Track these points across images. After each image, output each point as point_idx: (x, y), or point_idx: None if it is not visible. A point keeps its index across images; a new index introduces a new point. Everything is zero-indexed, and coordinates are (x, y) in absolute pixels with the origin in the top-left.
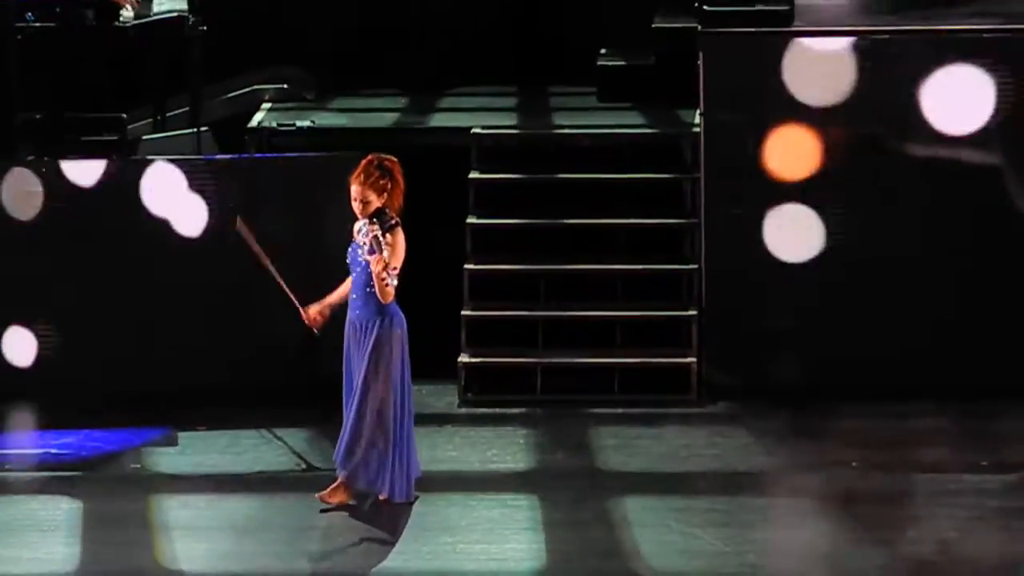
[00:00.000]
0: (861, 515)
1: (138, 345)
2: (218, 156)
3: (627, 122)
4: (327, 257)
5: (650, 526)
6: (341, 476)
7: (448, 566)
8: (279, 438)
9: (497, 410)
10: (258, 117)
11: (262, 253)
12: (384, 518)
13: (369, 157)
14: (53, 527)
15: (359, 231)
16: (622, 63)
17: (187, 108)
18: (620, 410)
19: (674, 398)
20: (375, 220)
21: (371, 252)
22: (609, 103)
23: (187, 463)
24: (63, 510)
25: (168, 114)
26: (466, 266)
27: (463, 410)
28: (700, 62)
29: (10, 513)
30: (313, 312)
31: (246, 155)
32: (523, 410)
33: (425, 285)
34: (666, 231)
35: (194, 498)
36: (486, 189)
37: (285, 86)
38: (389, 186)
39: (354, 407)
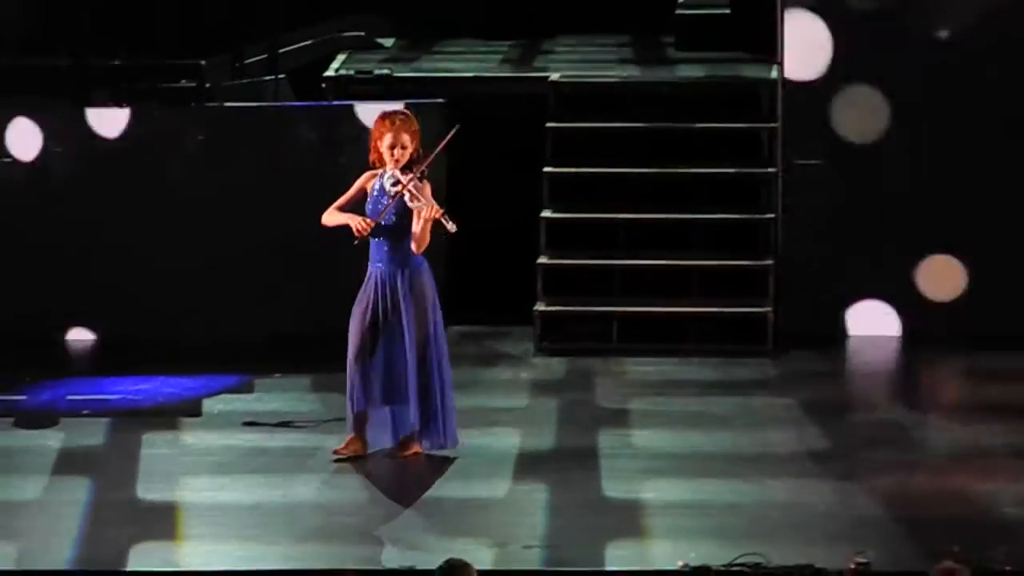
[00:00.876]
0: (937, 467)
1: (215, 293)
2: (295, 104)
3: (705, 71)
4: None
5: (726, 474)
6: (424, 445)
7: (527, 511)
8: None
9: (573, 358)
10: (335, 65)
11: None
12: (456, 465)
13: (392, 108)
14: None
15: (390, 181)
16: (700, 11)
17: (264, 55)
18: (695, 359)
19: (750, 348)
20: (408, 170)
21: (412, 200)
22: (687, 52)
23: (263, 409)
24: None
25: (246, 62)
26: (542, 214)
27: (539, 359)
28: (777, 10)
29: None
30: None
31: (324, 103)
32: (599, 358)
33: (502, 233)
34: (743, 180)
35: (269, 440)
36: (563, 137)
37: (362, 34)
38: (419, 132)
39: (414, 362)
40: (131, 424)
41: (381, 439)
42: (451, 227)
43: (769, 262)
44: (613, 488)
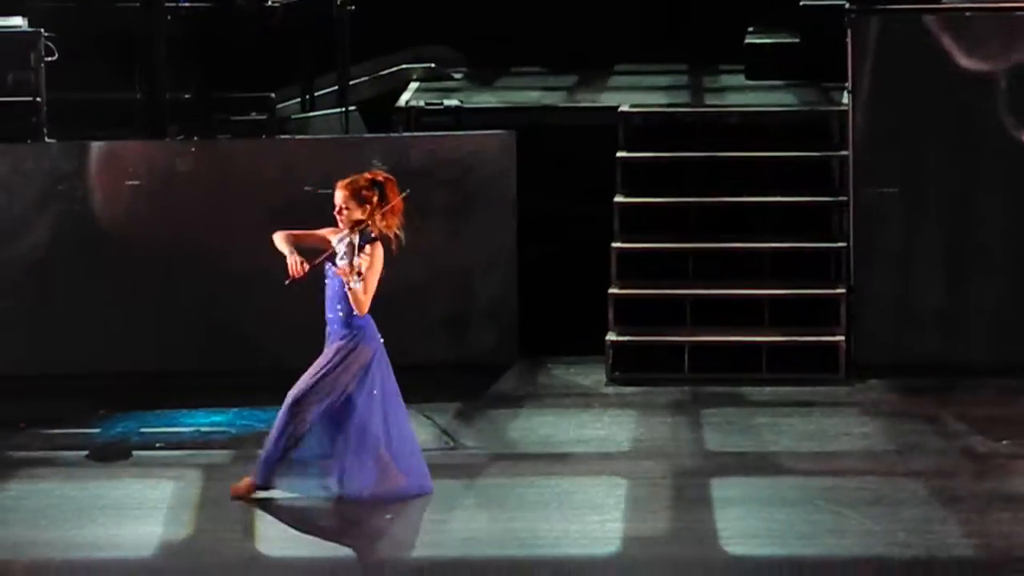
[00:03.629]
0: (1014, 495)
1: (282, 325)
2: (366, 135)
3: (775, 100)
4: (471, 231)
5: (799, 505)
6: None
7: (596, 544)
8: (427, 416)
9: (645, 388)
10: (406, 96)
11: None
12: (530, 498)
13: (369, 174)
14: (201, 503)
15: (345, 242)
16: (769, 41)
17: (335, 87)
18: (768, 389)
19: (822, 377)
20: (354, 230)
21: (342, 259)
22: (757, 81)
23: None
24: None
25: (316, 93)
26: (614, 244)
27: (610, 389)
28: (848, 39)
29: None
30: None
31: (394, 134)
32: (670, 388)
33: (573, 263)
34: (814, 209)
35: None
36: (634, 167)
37: (433, 65)
38: (374, 200)
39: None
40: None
41: (304, 486)
42: (353, 285)
43: (841, 291)
44: (682, 517)
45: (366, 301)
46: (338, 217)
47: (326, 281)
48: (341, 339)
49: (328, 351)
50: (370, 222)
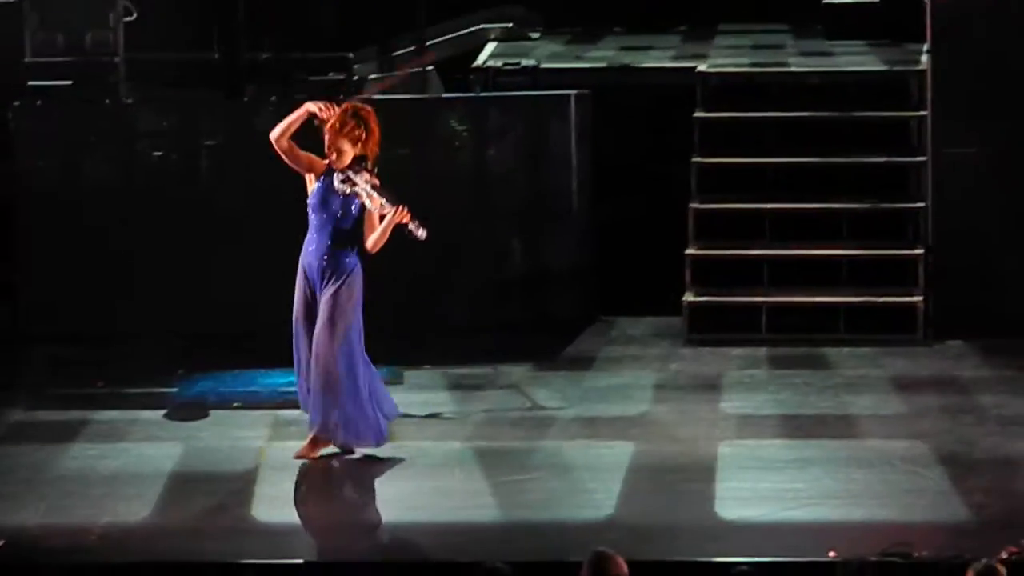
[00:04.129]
0: None
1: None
2: (443, 96)
3: (854, 61)
4: (547, 192)
5: (876, 466)
6: (316, 430)
7: (673, 504)
8: (505, 376)
9: (722, 349)
10: (483, 56)
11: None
12: (606, 459)
13: (344, 106)
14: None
15: (339, 178)
16: (849, 1)
17: (412, 47)
18: (846, 349)
19: (900, 337)
20: (362, 169)
21: (372, 201)
22: (836, 41)
23: (414, 401)
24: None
25: (394, 53)
26: (691, 205)
27: (688, 349)
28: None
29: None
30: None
31: (471, 94)
32: (748, 349)
33: (650, 224)
34: (893, 169)
35: (418, 437)
36: (711, 128)
37: (509, 25)
38: (363, 136)
39: (321, 360)
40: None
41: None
42: (420, 233)
43: (919, 251)
44: (762, 478)
45: (385, 240)
46: (332, 159)
47: (320, 221)
48: (346, 274)
49: (340, 294)
50: (368, 156)
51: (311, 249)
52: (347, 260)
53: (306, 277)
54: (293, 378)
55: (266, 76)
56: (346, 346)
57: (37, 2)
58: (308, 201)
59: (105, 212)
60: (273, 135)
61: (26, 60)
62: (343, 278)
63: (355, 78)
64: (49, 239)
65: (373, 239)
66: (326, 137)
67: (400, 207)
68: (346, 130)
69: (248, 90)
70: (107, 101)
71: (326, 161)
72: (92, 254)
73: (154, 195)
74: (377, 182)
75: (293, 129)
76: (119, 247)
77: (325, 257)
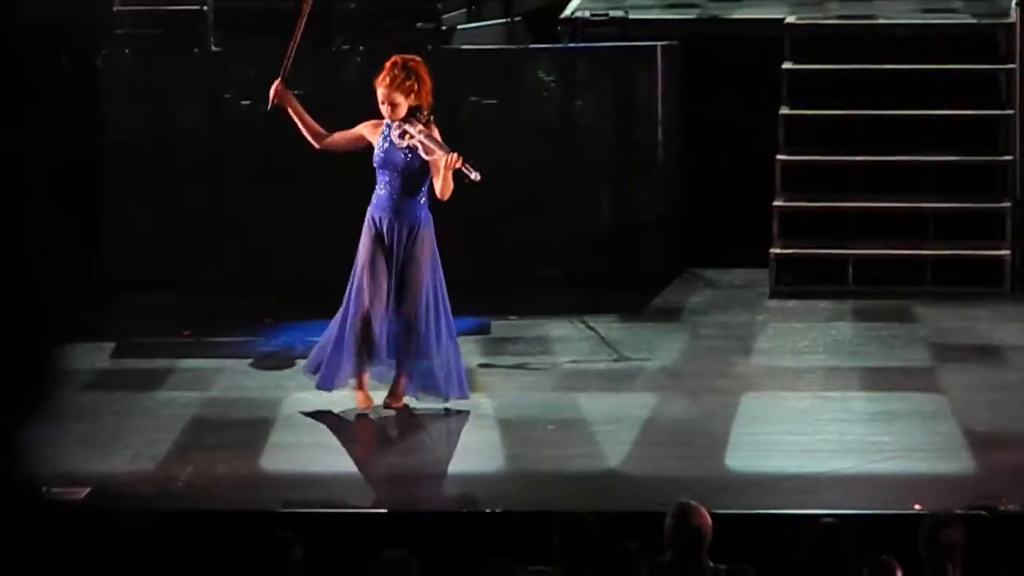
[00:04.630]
0: None
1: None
2: (531, 46)
3: (942, 12)
4: (636, 145)
5: (961, 416)
6: (399, 380)
7: (759, 456)
8: (591, 327)
9: (808, 301)
10: (571, 7)
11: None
12: (693, 410)
13: (393, 59)
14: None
15: (397, 132)
16: None
17: None
18: (933, 302)
19: (987, 290)
20: (415, 120)
21: (427, 152)
22: None
23: (501, 351)
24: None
25: (482, 3)
26: (778, 157)
27: (774, 301)
28: None
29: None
30: (279, 87)
31: (559, 45)
32: (835, 301)
33: (737, 175)
34: (981, 122)
35: (504, 388)
36: (799, 79)
37: None
38: (416, 86)
39: (421, 311)
40: None
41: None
42: (475, 176)
43: (1007, 204)
44: (847, 431)
45: (451, 187)
46: (385, 112)
47: (387, 176)
48: (419, 227)
49: (416, 249)
50: (422, 106)
51: (381, 204)
52: (418, 213)
53: (375, 228)
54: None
55: (353, 25)
56: (426, 298)
57: None
58: (373, 161)
59: (193, 161)
60: (315, 144)
61: (115, 9)
62: (416, 231)
63: (443, 28)
64: (137, 188)
65: (439, 187)
66: (379, 92)
67: (452, 154)
68: (396, 83)
69: (336, 40)
70: (195, 50)
71: (382, 120)
72: (180, 203)
73: (242, 144)
74: (433, 130)
75: (307, 126)
76: (207, 197)
77: (395, 211)
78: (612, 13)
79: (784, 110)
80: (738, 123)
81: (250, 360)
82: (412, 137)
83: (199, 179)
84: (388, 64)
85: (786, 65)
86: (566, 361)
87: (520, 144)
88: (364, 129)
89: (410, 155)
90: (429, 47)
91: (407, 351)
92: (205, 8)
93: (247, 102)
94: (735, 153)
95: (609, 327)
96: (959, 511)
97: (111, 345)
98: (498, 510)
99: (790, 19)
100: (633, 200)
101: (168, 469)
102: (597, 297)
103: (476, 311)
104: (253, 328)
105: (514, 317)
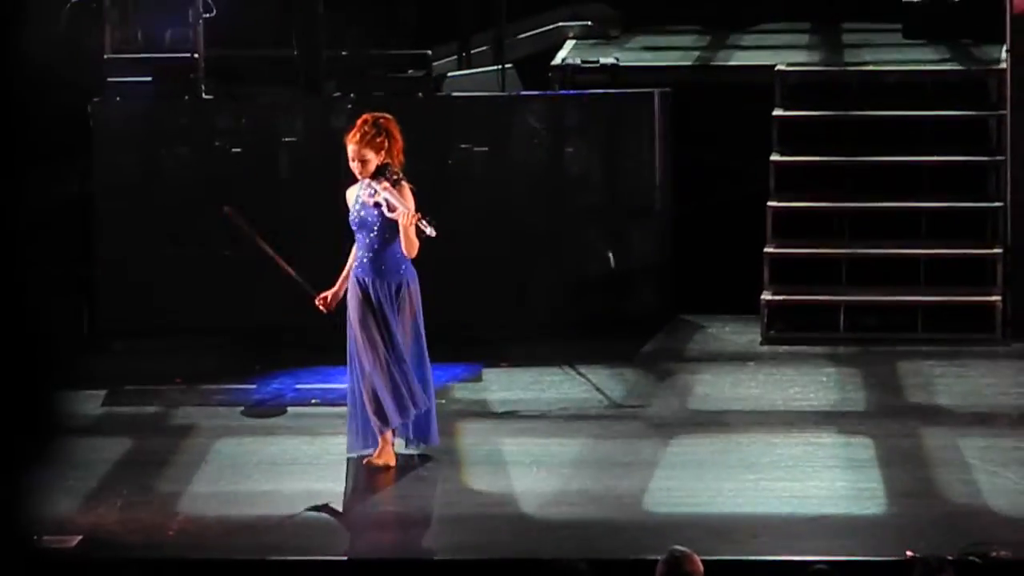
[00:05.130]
0: None
1: (442, 280)
2: (521, 93)
3: (932, 59)
4: (626, 192)
5: (953, 464)
6: (387, 434)
7: (750, 503)
8: (582, 374)
9: (800, 348)
10: (562, 54)
11: (258, 238)
12: (684, 457)
13: (363, 116)
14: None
15: (367, 192)
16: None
17: (491, 45)
18: (924, 348)
19: (978, 336)
20: (382, 177)
21: (390, 209)
22: (914, 40)
23: (492, 399)
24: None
25: (473, 51)
26: (769, 203)
27: (765, 347)
28: None
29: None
30: (330, 296)
31: (549, 92)
32: (826, 348)
33: (728, 222)
34: (971, 168)
35: (495, 434)
36: (790, 126)
37: (589, 23)
38: (386, 143)
39: (412, 365)
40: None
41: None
42: (430, 232)
43: (998, 250)
44: (839, 477)
45: (414, 243)
46: (355, 169)
47: (365, 239)
48: (403, 285)
49: (403, 310)
50: (391, 163)
51: (363, 267)
52: (401, 269)
53: (362, 290)
54: None
55: (345, 73)
56: (415, 350)
57: None
58: (349, 223)
59: (183, 208)
60: None
61: (106, 56)
62: (402, 289)
63: (434, 75)
64: (127, 235)
65: (403, 245)
66: (349, 149)
67: (407, 211)
68: (367, 139)
69: (327, 87)
70: (186, 98)
71: (356, 182)
72: (170, 250)
73: (232, 192)
74: (403, 188)
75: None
76: (196, 243)
77: (378, 272)
78: (603, 60)
79: (775, 157)
80: (729, 170)
81: (241, 407)
82: (377, 194)
83: (189, 226)
84: (359, 121)
85: (777, 112)
86: (557, 408)
87: (511, 191)
88: (346, 197)
89: (382, 213)
90: (420, 94)
91: (397, 405)
92: (196, 56)
93: (238, 150)
94: (726, 200)
95: (600, 374)
96: (951, 557)
97: (102, 392)
98: (488, 557)
99: (780, 66)
100: (624, 247)
101: (159, 517)
102: (588, 344)
103: (467, 357)
104: (244, 375)
105: (505, 364)
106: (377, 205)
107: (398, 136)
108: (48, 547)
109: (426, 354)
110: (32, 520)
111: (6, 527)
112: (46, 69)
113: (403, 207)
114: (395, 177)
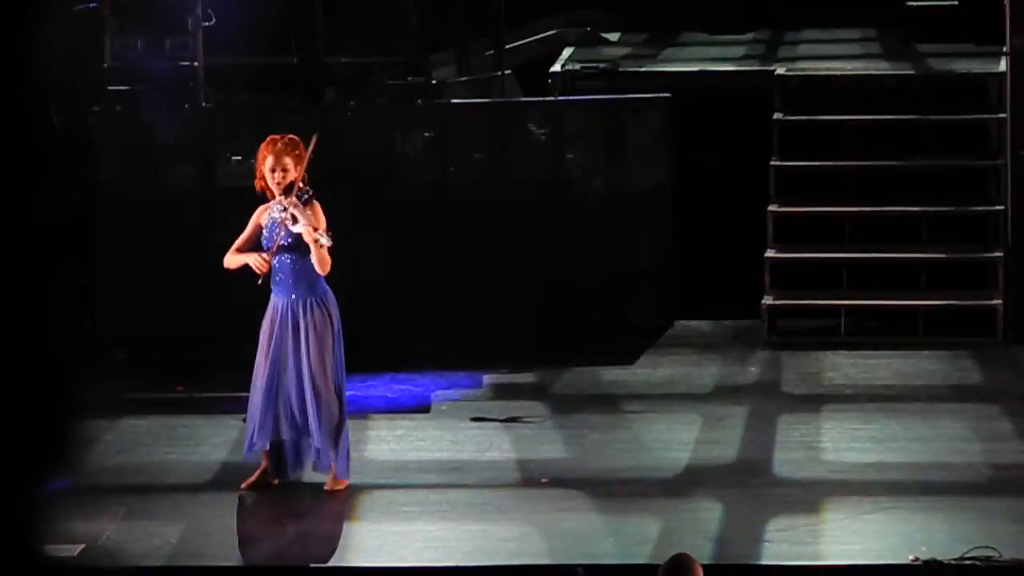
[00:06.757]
0: None
1: (440, 289)
2: (521, 99)
3: (932, 63)
4: (627, 197)
5: (956, 469)
6: (335, 469)
7: (751, 506)
8: (582, 379)
9: (801, 352)
10: (561, 60)
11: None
12: (680, 459)
13: (269, 137)
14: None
15: (278, 210)
16: (929, 3)
17: (491, 51)
18: (925, 352)
19: (980, 340)
20: (291, 194)
21: (294, 221)
22: (916, 43)
23: (492, 406)
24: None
25: (472, 58)
26: (770, 208)
27: (767, 352)
28: (1006, 2)
29: None
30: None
31: (549, 99)
32: (827, 352)
33: (729, 226)
34: (972, 172)
35: (495, 441)
36: (790, 131)
37: (588, 29)
38: (301, 155)
39: (312, 393)
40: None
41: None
42: (325, 241)
43: (999, 254)
44: (842, 481)
45: (328, 256)
46: (276, 182)
47: (279, 258)
48: (320, 306)
49: (321, 328)
50: (298, 179)
51: (279, 290)
52: (317, 289)
53: (272, 307)
54: (369, 384)
55: (344, 80)
56: (337, 376)
57: (117, 8)
58: (262, 244)
59: (183, 217)
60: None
61: (106, 65)
62: (313, 310)
63: (434, 82)
64: (128, 244)
65: (314, 261)
66: (267, 161)
67: (308, 226)
68: (287, 149)
69: (326, 94)
70: (186, 106)
71: (263, 207)
72: (171, 259)
73: (232, 200)
74: (314, 206)
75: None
76: (197, 252)
77: (290, 288)
78: (602, 66)
79: (775, 161)
80: (729, 174)
81: (243, 416)
82: (287, 210)
83: (190, 234)
84: (268, 138)
85: (777, 116)
86: (558, 414)
87: (510, 196)
88: (255, 216)
89: (285, 230)
90: (419, 101)
91: (316, 427)
92: (195, 64)
93: (238, 158)
94: (726, 204)
95: (600, 378)
96: (953, 562)
97: (104, 401)
98: (491, 564)
99: (780, 70)
100: (625, 252)
101: (161, 526)
102: (588, 348)
103: (467, 364)
104: (246, 384)
105: (506, 369)
106: (286, 221)
107: (305, 156)
108: (51, 556)
109: (330, 383)
110: (36, 529)
111: (11, 536)
112: (47, 79)
113: (304, 221)
114: (306, 196)
